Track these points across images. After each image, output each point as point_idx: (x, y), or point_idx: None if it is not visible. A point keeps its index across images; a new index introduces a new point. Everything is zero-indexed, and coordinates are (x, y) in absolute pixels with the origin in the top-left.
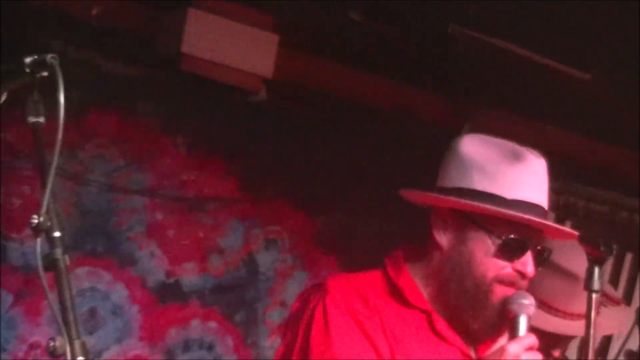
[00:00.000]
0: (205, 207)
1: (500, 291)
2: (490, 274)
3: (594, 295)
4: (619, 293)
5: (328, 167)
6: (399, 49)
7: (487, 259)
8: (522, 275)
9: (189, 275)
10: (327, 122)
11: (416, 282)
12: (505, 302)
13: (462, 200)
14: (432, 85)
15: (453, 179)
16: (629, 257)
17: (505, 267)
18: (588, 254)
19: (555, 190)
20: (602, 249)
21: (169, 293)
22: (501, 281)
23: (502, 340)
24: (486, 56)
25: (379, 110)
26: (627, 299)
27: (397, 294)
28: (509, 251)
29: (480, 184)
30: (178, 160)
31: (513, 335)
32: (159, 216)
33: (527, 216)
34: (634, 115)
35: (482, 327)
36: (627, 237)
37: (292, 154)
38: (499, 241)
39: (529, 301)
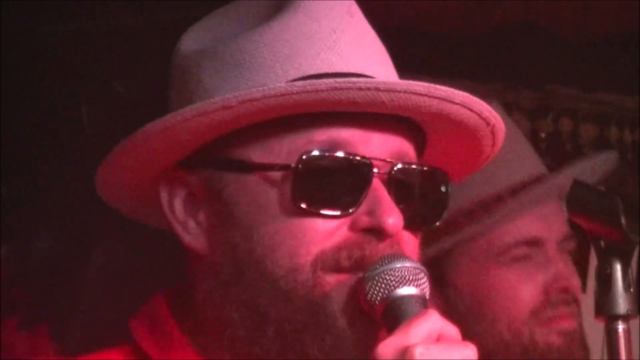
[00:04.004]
0: None
1: (337, 285)
2: (305, 256)
3: (620, 326)
4: None
5: None
6: None
7: (287, 223)
8: (378, 234)
9: None
10: None
11: (197, 348)
12: (357, 292)
13: (181, 127)
14: None
15: (174, 106)
16: None
17: (334, 233)
18: (595, 240)
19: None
20: (625, 228)
21: None
22: (335, 264)
23: None
24: None
25: None
26: None
27: None
28: (326, 188)
29: (215, 82)
30: None
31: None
32: None
33: (323, 85)
34: None
35: None
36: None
37: None
38: (292, 172)
39: (407, 264)
